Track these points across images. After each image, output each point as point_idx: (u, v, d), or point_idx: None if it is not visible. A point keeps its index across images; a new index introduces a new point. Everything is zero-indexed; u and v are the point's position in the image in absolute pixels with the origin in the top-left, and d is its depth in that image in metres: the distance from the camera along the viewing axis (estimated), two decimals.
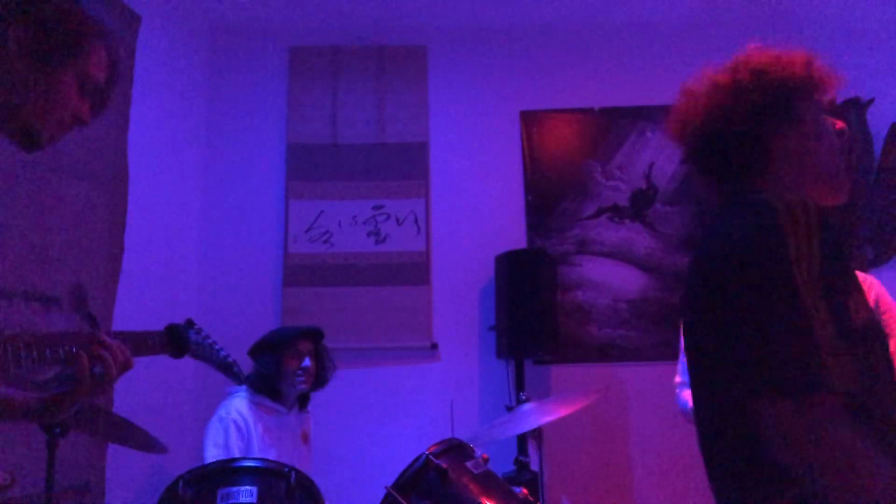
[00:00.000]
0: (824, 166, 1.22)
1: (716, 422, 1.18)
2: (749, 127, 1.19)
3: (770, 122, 1.19)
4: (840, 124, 1.25)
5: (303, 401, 2.82)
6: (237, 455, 2.50)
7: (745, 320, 1.06)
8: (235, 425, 2.55)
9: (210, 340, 1.65)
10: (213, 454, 2.49)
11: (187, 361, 1.85)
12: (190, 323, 1.61)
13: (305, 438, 2.80)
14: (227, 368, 1.67)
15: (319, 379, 2.79)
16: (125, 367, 1.32)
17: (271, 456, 2.55)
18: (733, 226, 1.14)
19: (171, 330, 1.53)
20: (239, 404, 2.63)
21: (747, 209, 1.12)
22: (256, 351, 2.73)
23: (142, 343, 1.44)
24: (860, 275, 1.94)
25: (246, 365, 2.74)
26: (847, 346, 1.01)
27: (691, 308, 1.23)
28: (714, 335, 1.14)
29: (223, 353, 1.67)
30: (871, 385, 1.06)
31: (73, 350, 1.24)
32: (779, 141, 1.19)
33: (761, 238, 1.06)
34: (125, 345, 1.33)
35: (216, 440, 2.54)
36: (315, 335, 2.79)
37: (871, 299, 1.99)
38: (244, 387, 2.68)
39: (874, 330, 1.13)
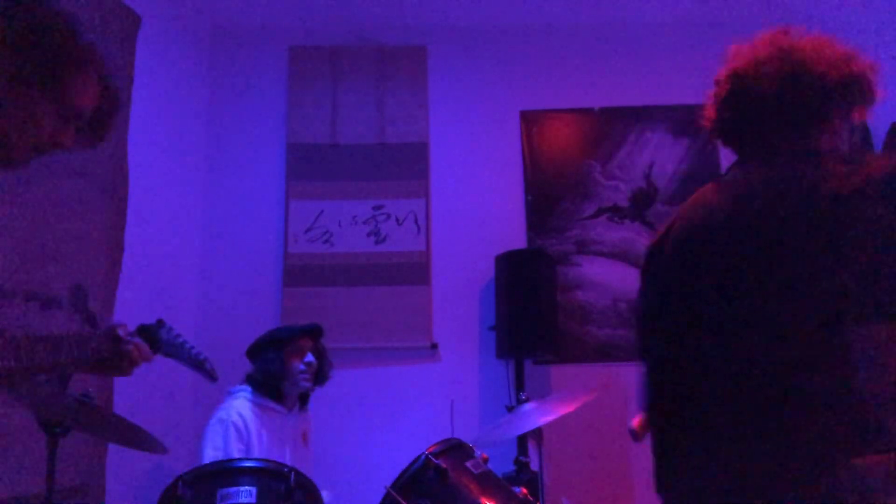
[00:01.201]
0: None
1: (790, 357, 1.16)
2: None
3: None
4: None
5: (303, 400, 2.81)
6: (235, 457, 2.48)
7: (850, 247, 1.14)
8: (235, 427, 2.52)
9: (181, 339, 1.68)
10: (210, 456, 2.46)
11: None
12: (160, 322, 1.64)
13: (305, 439, 2.79)
14: (199, 366, 1.69)
15: (320, 376, 2.78)
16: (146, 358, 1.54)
17: (272, 457, 2.54)
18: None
19: (142, 330, 1.58)
20: (240, 405, 2.60)
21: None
22: (257, 350, 2.72)
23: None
24: None
25: (245, 364, 2.75)
26: None
27: (758, 242, 1.24)
28: (795, 264, 1.18)
29: (195, 351, 1.70)
30: None
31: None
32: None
33: None
34: (101, 342, 1.42)
35: (215, 443, 2.51)
36: (316, 333, 2.79)
37: None
38: (247, 387, 2.66)
39: None
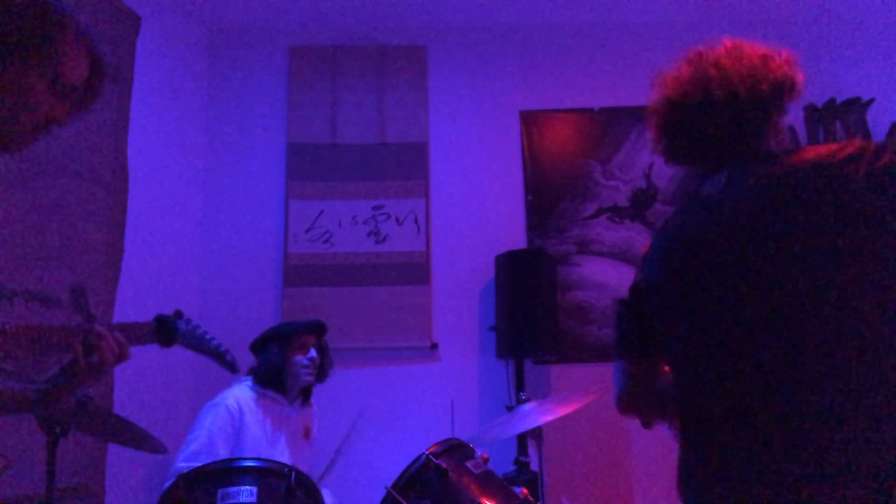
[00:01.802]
0: None
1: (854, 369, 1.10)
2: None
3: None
4: None
5: (305, 395, 2.82)
6: (217, 440, 2.47)
7: None
8: (228, 410, 2.53)
9: (201, 330, 1.66)
10: (194, 437, 2.47)
11: (188, 361, 1.86)
12: (179, 313, 1.62)
13: (307, 434, 2.80)
14: (220, 356, 1.67)
15: (321, 372, 2.79)
16: (121, 357, 1.37)
17: (267, 446, 2.55)
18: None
19: (160, 320, 1.55)
20: (240, 391, 2.63)
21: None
22: (261, 343, 2.74)
23: (130, 333, 1.45)
24: None
25: (245, 364, 2.75)
26: None
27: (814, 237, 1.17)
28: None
29: (215, 343, 1.68)
30: None
31: (68, 341, 1.27)
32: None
33: None
34: (116, 334, 1.36)
35: (202, 422, 2.51)
36: (319, 329, 2.80)
37: None
38: (249, 378, 2.69)
39: None
